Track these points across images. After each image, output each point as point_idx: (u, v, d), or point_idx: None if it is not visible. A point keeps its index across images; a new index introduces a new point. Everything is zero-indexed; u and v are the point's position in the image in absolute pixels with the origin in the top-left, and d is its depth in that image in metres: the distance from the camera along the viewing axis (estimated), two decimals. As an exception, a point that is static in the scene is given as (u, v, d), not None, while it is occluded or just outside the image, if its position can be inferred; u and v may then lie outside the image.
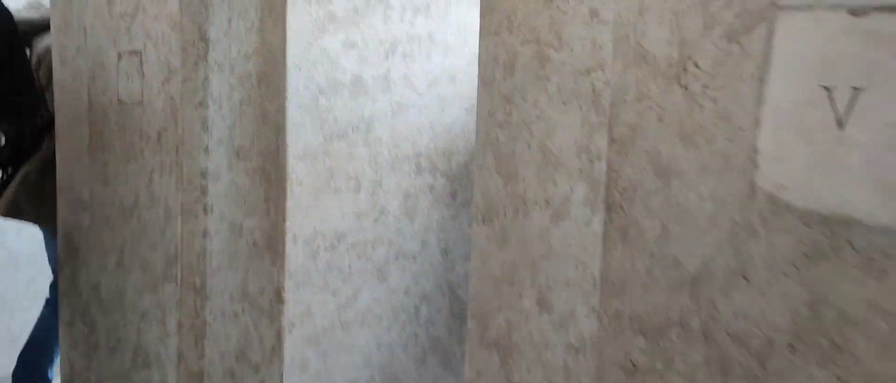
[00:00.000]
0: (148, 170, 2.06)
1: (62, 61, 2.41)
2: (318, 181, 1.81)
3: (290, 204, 1.76)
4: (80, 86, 2.34)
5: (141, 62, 2.03)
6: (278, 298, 1.80)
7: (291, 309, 1.80)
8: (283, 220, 1.76)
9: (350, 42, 1.82)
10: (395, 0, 1.89)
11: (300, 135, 1.76)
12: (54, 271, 2.84)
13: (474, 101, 2.17)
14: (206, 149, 1.96)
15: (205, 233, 1.98)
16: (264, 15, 1.78)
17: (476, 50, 2.17)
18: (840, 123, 0.65)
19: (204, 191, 1.97)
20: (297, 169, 1.77)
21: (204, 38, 1.93)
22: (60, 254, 2.59)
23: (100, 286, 2.27)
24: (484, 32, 1.13)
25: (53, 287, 2.88)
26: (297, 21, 1.73)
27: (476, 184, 1.16)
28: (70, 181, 2.48)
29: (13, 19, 2.24)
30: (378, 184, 1.92)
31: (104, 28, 2.15)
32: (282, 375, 1.80)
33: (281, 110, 1.75)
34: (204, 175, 1.97)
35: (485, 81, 1.13)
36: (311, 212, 1.79)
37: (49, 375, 2.93)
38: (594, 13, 0.91)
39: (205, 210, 1.98)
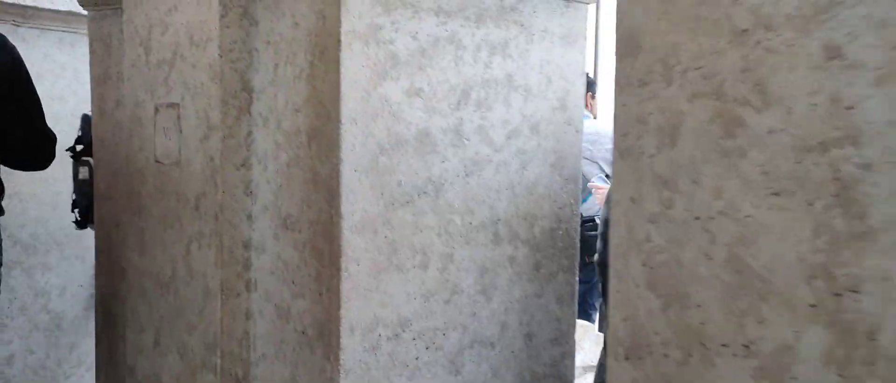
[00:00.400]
0: (185, 240, 1.79)
1: (101, 115, 2.20)
2: (379, 257, 1.51)
3: (345, 286, 1.46)
4: (118, 142, 2.11)
5: (179, 116, 1.78)
6: (331, 399, 1.49)
7: (347, 412, 1.49)
8: (338, 306, 1.46)
9: (415, 89, 1.53)
10: (468, 38, 1.60)
11: (357, 202, 1.47)
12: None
13: (560, 155, 1.84)
14: (250, 217, 1.69)
15: (247, 315, 1.70)
16: (315, 59, 1.50)
17: (561, 93, 1.85)
18: None
19: (246, 266, 1.69)
20: (354, 243, 1.47)
21: (247, 88, 1.67)
22: (97, 325, 2.36)
23: (136, 368, 2.01)
24: (624, 81, 0.80)
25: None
26: (354, 65, 1.44)
27: (614, 302, 0.83)
28: (108, 245, 2.24)
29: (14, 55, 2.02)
30: (449, 258, 1.61)
31: (141, 78, 1.91)
32: None
33: (334, 173, 1.46)
34: (246, 246, 1.69)
35: (626, 153, 0.80)
36: (370, 296, 1.49)
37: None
38: (833, 50, 0.57)
39: (247, 287, 1.70)
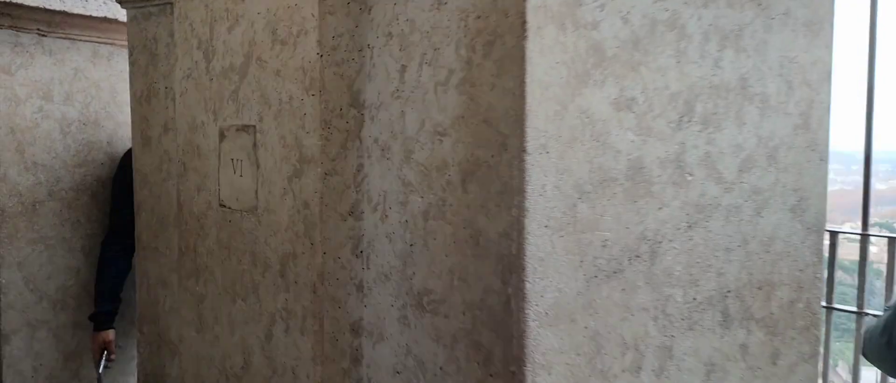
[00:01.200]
0: (265, 319, 1.27)
1: (144, 143, 1.70)
2: (578, 360, 0.97)
3: (533, 411, 0.92)
4: (166, 178, 1.61)
5: (255, 144, 1.27)
6: None
7: None
8: (522, 445, 0.92)
9: (626, 99, 1.00)
10: (693, 22, 1.06)
11: (548, 275, 0.93)
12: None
13: (802, 195, 1.22)
14: (360, 287, 1.16)
15: (359, 434, 1.16)
16: (475, 55, 0.97)
17: (804, 105, 1.24)
18: None
19: (356, 359, 1.17)
20: (544, 341, 0.93)
21: (356, 103, 1.15)
22: (140, 413, 1.84)
23: None
24: None
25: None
26: (544, 63, 0.92)
27: None
28: (153, 310, 1.73)
29: None
30: (667, 353, 1.07)
31: (199, 93, 1.41)
32: None
33: (513, 231, 0.92)
34: (356, 331, 1.17)
35: None
36: (570, 425, 0.95)
37: None
38: None
39: (359, 392, 1.17)
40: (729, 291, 1.14)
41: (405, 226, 1.09)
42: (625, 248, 1.01)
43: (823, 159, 1.28)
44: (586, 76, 0.96)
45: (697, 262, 1.10)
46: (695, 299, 1.10)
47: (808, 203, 1.24)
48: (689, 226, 1.08)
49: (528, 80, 0.90)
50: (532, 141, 0.91)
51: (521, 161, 0.91)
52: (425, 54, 1.05)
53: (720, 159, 1.11)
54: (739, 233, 1.15)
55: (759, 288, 1.19)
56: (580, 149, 0.96)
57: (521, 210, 0.92)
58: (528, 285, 0.92)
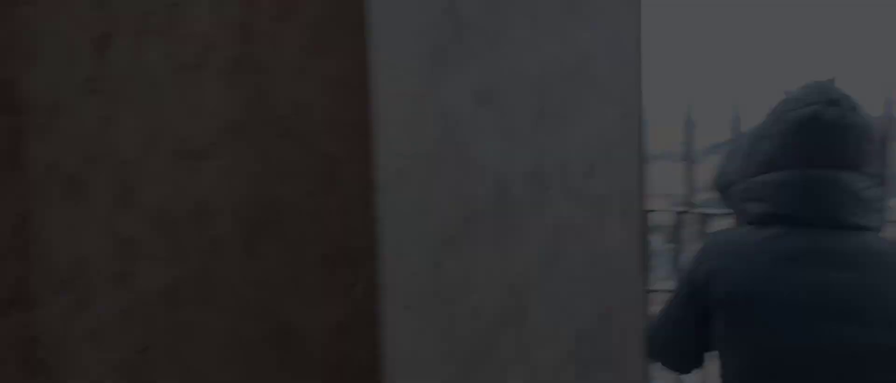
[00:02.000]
0: None
1: None
2: None
3: None
4: None
5: None
6: None
7: None
8: None
9: (487, 88, 0.66)
10: (535, -21, 0.76)
11: (417, 388, 0.56)
12: None
13: (628, 197, 0.99)
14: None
15: None
16: (263, 17, 0.55)
17: (624, 86, 0.97)
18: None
19: None
20: None
21: (11, 104, 0.64)
22: None
23: None
24: None
25: None
26: (395, 32, 0.53)
27: None
28: None
29: None
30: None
31: None
32: None
33: (359, 323, 0.54)
34: None
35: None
36: None
37: None
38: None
39: None
40: (583, 335, 0.88)
41: (129, 319, 0.63)
42: (496, 314, 0.68)
43: (641, 152, 1.07)
44: (445, 54, 0.59)
45: (558, 311, 0.81)
46: (556, 360, 0.81)
47: (631, 206, 1.03)
48: (548, 264, 0.79)
49: (372, 58, 0.51)
50: (386, 166, 0.53)
51: (370, 202, 0.52)
52: (150, 15, 0.59)
53: (571, 164, 0.83)
54: (588, 257, 0.89)
55: (604, 321, 0.94)
56: (443, 172, 0.60)
57: (371, 287, 0.53)
58: (391, 413, 0.54)
